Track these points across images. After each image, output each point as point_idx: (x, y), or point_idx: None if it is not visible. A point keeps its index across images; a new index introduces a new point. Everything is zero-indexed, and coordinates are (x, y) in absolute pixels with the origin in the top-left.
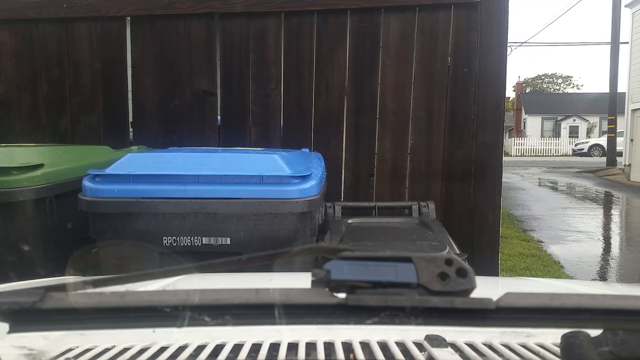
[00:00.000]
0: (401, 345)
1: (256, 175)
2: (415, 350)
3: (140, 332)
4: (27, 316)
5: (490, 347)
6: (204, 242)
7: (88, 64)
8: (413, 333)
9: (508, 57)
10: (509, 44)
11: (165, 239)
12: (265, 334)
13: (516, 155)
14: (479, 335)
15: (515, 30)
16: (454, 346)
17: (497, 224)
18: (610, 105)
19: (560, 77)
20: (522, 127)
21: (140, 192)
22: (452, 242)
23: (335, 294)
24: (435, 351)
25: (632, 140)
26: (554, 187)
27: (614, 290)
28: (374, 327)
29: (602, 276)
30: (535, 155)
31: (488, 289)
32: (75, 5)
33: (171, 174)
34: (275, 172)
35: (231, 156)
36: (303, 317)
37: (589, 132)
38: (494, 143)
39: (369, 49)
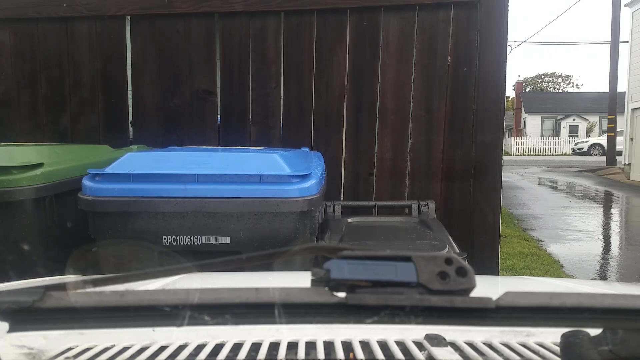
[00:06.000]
0: (401, 345)
1: (256, 175)
2: (415, 350)
3: (140, 331)
4: (26, 315)
5: (490, 346)
6: (203, 241)
7: (88, 63)
8: (413, 332)
9: (508, 56)
10: (508, 43)
11: (165, 238)
12: (265, 333)
13: (516, 155)
14: (478, 334)
15: (515, 29)
16: (454, 345)
17: (497, 223)
18: (610, 104)
19: (560, 76)
20: (521, 127)
21: (140, 191)
22: (452, 241)
23: (335, 293)
24: (435, 350)
25: (632, 139)
26: (554, 186)
27: (613, 289)
28: (374, 326)
29: (602, 275)
30: (535, 155)
31: (488, 288)
32: (75, 5)
33: (171, 173)
34: (275, 171)
35: (231, 155)
36: (303, 317)
37: (588, 131)
38: (494, 142)
39: (368, 48)
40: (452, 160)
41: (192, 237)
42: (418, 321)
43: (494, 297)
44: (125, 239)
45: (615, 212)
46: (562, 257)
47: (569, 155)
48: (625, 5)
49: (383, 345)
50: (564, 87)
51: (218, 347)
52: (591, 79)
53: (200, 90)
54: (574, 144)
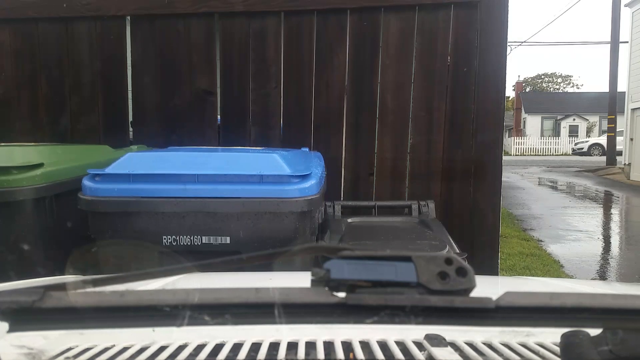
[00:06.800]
0: (401, 345)
1: (256, 175)
2: (415, 350)
3: (139, 331)
4: (26, 315)
5: (490, 346)
6: (203, 241)
7: (88, 63)
8: (413, 332)
9: (508, 56)
10: (508, 43)
11: (165, 238)
12: (265, 333)
13: (516, 155)
14: (478, 334)
15: (515, 29)
16: (454, 345)
17: (497, 223)
18: (610, 104)
19: (560, 76)
20: (521, 127)
21: (140, 191)
22: (452, 241)
23: (335, 293)
24: (435, 350)
25: (631, 139)
26: (554, 186)
27: (613, 289)
28: (374, 326)
29: (602, 275)
30: (535, 155)
31: (488, 288)
32: (75, 5)
33: (171, 174)
34: (275, 172)
35: (231, 155)
36: (303, 317)
37: (588, 132)
38: (494, 142)
39: (368, 49)
40: (452, 160)
41: (192, 237)
42: (418, 321)
43: (494, 297)
44: (125, 239)
45: (615, 212)
46: (562, 257)
47: (569, 155)
48: (625, 6)
49: (383, 346)
50: (564, 87)
51: (218, 347)
52: (591, 79)
53: (201, 90)
54: (574, 144)
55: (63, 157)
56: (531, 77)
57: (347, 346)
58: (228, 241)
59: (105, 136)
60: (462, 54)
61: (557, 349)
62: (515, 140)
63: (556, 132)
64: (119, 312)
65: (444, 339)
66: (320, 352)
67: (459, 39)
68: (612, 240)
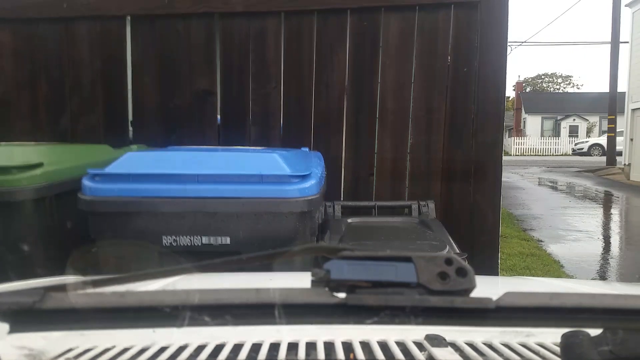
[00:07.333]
0: (401, 345)
1: (256, 175)
2: (415, 350)
3: (140, 332)
4: (27, 316)
5: (490, 346)
6: (203, 241)
7: (88, 63)
8: (413, 333)
9: (508, 57)
10: (509, 44)
11: (165, 239)
12: (265, 333)
13: (516, 155)
14: (478, 334)
15: (515, 29)
16: (454, 346)
17: (497, 223)
18: (610, 104)
19: (560, 76)
20: (522, 127)
21: (140, 191)
22: (452, 241)
23: (335, 294)
24: (435, 351)
25: (632, 139)
26: (554, 187)
27: (613, 289)
28: (374, 326)
29: (602, 275)
30: (535, 155)
31: (488, 288)
32: (75, 5)
33: (171, 173)
34: (274, 172)
35: (231, 155)
36: (303, 317)
37: (588, 132)
38: (494, 142)
39: (368, 49)
40: (452, 160)
41: (192, 238)
42: (418, 322)
43: (494, 297)
44: (125, 239)
45: (615, 212)
46: (562, 257)
47: (569, 155)
48: (626, 6)
49: (383, 346)
50: (564, 88)
51: (218, 348)
52: (591, 79)
53: (200, 91)
54: (574, 144)
55: (63, 157)
56: (531, 77)
57: (348, 346)
58: (228, 241)
59: (105, 136)
60: (462, 54)
61: (558, 349)
62: (516, 141)
63: (556, 133)
64: (119, 312)
65: (444, 340)
66: (321, 353)
67: (459, 39)
68: (612, 240)
